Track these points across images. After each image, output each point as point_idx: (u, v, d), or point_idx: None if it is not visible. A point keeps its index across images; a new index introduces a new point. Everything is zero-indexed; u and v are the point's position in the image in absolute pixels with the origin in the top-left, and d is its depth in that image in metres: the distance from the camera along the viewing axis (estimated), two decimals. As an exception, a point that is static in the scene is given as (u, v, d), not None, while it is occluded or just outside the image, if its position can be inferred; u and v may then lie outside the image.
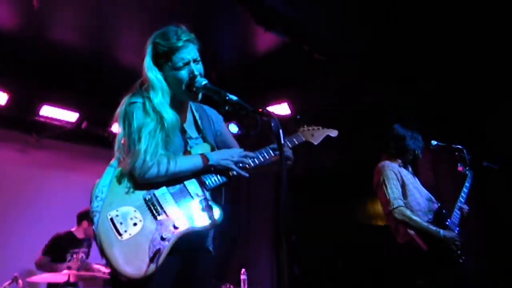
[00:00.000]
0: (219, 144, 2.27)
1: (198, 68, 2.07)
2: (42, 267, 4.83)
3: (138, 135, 1.94)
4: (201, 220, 1.95)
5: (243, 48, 5.27)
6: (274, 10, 4.21)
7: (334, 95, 5.77)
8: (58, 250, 4.92)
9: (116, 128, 2.10)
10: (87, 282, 4.89)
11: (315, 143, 2.39)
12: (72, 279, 4.38)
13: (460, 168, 3.73)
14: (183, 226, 1.91)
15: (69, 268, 4.47)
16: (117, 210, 1.86)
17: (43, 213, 5.83)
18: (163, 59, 2.06)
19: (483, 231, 4.80)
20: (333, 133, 2.49)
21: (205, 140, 2.17)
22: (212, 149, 2.14)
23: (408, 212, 3.35)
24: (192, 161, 2.03)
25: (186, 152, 2.08)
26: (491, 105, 4.94)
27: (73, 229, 5.14)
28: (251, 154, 2.13)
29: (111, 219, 1.84)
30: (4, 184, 5.73)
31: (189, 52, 2.06)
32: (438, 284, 3.22)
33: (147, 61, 2.07)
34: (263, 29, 4.30)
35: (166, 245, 1.84)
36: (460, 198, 3.58)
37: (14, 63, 5.10)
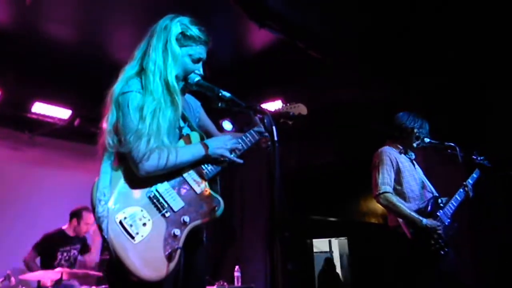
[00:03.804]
0: (201, 130, 2.22)
1: (201, 70, 2.09)
2: (29, 265, 4.77)
3: (141, 114, 1.86)
4: (207, 212, 1.92)
5: (238, 45, 5.26)
6: (268, 7, 4.21)
7: (328, 92, 5.78)
8: (47, 248, 4.86)
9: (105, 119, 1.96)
10: (80, 279, 4.86)
11: (290, 123, 2.41)
12: (65, 277, 4.36)
13: (473, 156, 3.69)
14: (192, 220, 1.87)
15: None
16: (123, 212, 1.78)
17: (36, 210, 5.80)
18: (184, 41, 2.02)
19: (472, 229, 4.82)
20: (303, 110, 2.45)
21: (192, 128, 2.13)
22: (201, 137, 2.10)
23: (392, 199, 3.33)
24: (193, 150, 1.98)
25: (182, 138, 2.04)
26: (491, 103, 4.95)
27: (64, 227, 5.07)
28: (240, 139, 2.12)
29: (120, 222, 1.76)
30: (-4, 181, 5.70)
31: (205, 51, 2.09)
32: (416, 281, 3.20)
33: (174, 33, 2.01)
34: (257, 26, 4.30)
35: (180, 242, 1.81)
36: (469, 180, 3.58)
37: (6, 59, 5.06)
